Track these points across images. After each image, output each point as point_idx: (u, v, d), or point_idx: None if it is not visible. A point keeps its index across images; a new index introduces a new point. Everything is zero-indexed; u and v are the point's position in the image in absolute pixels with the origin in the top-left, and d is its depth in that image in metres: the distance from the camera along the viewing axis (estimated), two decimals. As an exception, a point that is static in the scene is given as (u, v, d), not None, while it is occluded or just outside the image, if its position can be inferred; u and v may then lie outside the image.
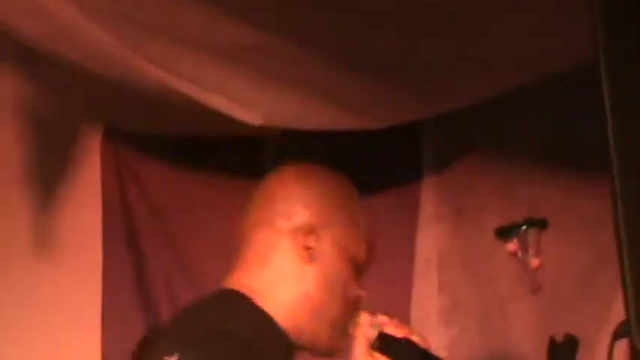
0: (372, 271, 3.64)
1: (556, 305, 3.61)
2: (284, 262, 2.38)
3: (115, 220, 4.39)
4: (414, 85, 3.31)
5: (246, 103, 3.41)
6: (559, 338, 2.77)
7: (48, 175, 4.21)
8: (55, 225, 4.08)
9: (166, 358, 2.29)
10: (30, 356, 4.16)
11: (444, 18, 2.93)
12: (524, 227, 3.63)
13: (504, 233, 3.69)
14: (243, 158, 4.25)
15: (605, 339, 2.80)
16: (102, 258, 4.30)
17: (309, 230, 2.35)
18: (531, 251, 3.65)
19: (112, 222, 4.38)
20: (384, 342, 2.31)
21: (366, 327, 2.30)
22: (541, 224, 3.69)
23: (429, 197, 4.00)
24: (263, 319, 2.43)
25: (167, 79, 3.30)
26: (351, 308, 2.36)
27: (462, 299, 3.86)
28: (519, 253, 3.68)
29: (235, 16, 3.07)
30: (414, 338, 2.30)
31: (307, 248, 2.34)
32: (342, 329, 2.36)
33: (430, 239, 3.98)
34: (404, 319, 3.61)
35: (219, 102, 3.37)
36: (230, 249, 4.24)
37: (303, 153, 3.92)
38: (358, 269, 2.40)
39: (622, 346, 2.12)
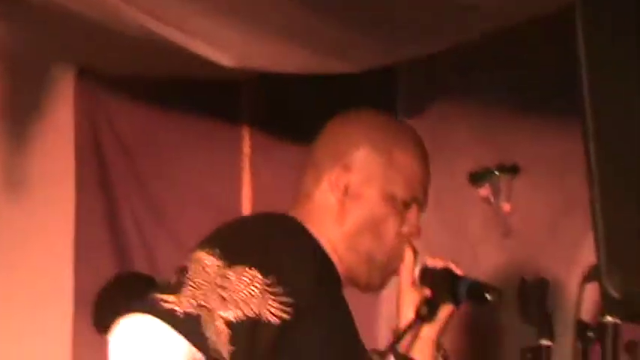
0: None
1: (526, 248, 3.64)
2: (324, 198, 2.40)
3: (88, 161, 4.51)
4: (390, 28, 3.30)
5: (220, 45, 3.46)
6: (529, 279, 2.79)
7: (21, 115, 4.26)
8: (28, 165, 4.10)
9: (206, 250, 2.33)
10: (5, 290, 4.14)
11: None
12: (496, 173, 3.67)
13: (477, 178, 3.73)
14: (218, 102, 4.30)
15: (575, 281, 2.80)
16: (74, 197, 4.32)
17: (346, 169, 2.37)
18: (503, 196, 3.70)
19: (84, 163, 4.46)
20: (425, 274, 2.39)
21: (410, 263, 2.37)
22: (513, 170, 3.70)
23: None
24: (315, 242, 2.45)
25: (146, 21, 3.34)
26: (394, 246, 2.39)
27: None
28: (491, 198, 3.73)
29: None
30: (452, 267, 2.39)
31: (345, 186, 2.35)
32: (384, 266, 2.40)
33: None
34: None
35: (194, 44, 3.43)
36: (202, 192, 4.22)
37: (279, 97, 4.00)
38: (404, 208, 2.40)
39: (591, 289, 2.28)
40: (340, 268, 2.42)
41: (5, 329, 4.00)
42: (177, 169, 4.41)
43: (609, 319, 1.97)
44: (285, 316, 2.25)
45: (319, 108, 3.79)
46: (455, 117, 3.94)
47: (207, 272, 2.31)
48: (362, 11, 3.22)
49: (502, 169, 3.68)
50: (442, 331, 2.48)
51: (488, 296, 2.45)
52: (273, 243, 2.38)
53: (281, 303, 2.27)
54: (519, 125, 3.75)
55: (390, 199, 2.39)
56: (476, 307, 2.62)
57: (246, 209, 4.38)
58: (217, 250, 2.34)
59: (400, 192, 2.41)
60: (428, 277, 2.42)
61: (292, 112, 4.23)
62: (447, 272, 2.44)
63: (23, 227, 4.10)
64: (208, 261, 2.32)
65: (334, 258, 2.42)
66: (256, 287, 2.28)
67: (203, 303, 2.26)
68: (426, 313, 2.42)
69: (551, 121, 3.57)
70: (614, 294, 1.63)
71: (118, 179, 4.53)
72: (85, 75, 4.48)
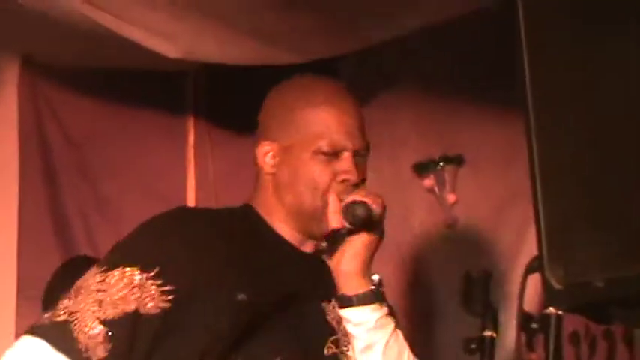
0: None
1: (470, 239, 3.65)
2: (259, 175, 2.50)
3: (32, 153, 4.37)
4: (334, 19, 3.31)
5: (165, 36, 3.45)
6: (473, 272, 2.82)
7: None
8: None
9: None
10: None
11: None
12: (440, 164, 3.65)
13: (421, 169, 3.70)
14: (163, 93, 4.29)
15: (518, 272, 2.85)
16: (18, 192, 4.26)
17: (266, 139, 2.47)
18: (447, 187, 3.68)
19: (29, 155, 4.35)
20: (346, 208, 2.37)
21: (335, 207, 2.37)
22: (457, 161, 3.69)
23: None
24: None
25: (89, 11, 3.29)
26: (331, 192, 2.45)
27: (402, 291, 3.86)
28: (436, 189, 3.70)
29: None
30: (358, 197, 2.37)
31: (270, 157, 2.45)
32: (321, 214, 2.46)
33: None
34: None
35: (138, 35, 3.41)
36: (146, 182, 4.19)
37: (224, 88, 4.00)
38: (333, 158, 2.43)
39: (533, 280, 2.29)
40: (291, 232, 2.47)
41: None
42: (122, 159, 4.39)
43: (552, 310, 2.03)
44: (166, 305, 2.33)
45: (263, 99, 4.00)
46: (399, 108, 3.98)
47: (86, 281, 2.38)
48: (308, 3, 3.23)
49: (446, 160, 3.64)
50: (357, 260, 2.45)
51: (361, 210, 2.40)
52: (156, 237, 2.46)
53: (162, 292, 2.34)
54: (463, 116, 3.78)
55: (313, 155, 2.43)
56: (366, 229, 2.46)
57: (191, 200, 4.40)
58: (101, 261, 2.47)
59: (322, 146, 2.44)
60: (348, 210, 2.41)
61: (237, 103, 4.14)
62: (353, 204, 2.43)
63: (-34, 219, 4.07)
64: (90, 272, 2.40)
65: (282, 228, 2.48)
66: (135, 284, 2.35)
67: (75, 309, 2.34)
68: (324, 246, 2.47)
69: (495, 113, 3.60)
70: (556, 285, 1.61)
71: (62, 169, 4.44)
72: (30, 65, 4.36)
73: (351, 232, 2.47)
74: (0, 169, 4.31)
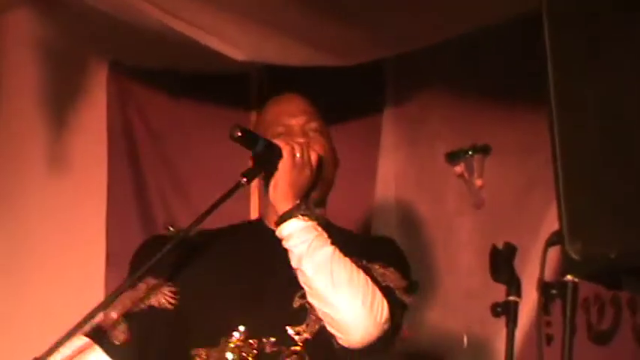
0: (336, 188, 3.50)
1: (495, 220, 3.63)
2: None
3: (119, 143, 4.41)
4: (378, 29, 3.29)
5: (233, 42, 3.46)
6: (499, 246, 2.82)
7: (61, 101, 4.23)
8: (67, 145, 4.12)
9: None
10: (47, 255, 4.18)
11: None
12: (470, 152, 3.63)
13: (453, 158, 3.62)
14: (231, 91, 4.28)
15: (538, 247, 2.81)
16: (107, 176, 4.33)
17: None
18: (476, 173, 3.66)
19: (116, 144, 4.40)
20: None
21: (286, 156, 2.55)
22: (484, 150, 3.67)
23: (389, 128, 4.01)
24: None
25: (169, 21, 3.33)
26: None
27: (416, 213, 3.89)
28: (465, 175, 3.69)
29: None
30: (280, 143, 2.55)
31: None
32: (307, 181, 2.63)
33: (389, 163, 4.00)
34: (366, 227, 4.03)
35: (211, 41, 3.43)
36: (219, 169, 4.10)
37: (281, 87, 3.96)
38: (289, 138, 2.64)
39: (553, 252, 2.11)
40: (270, 216, 2.61)
41: (45, 289, 4.07)
42: (198, 149, 4.41)
43: (569, 278, 2.00)
44: (174, 302, 2.62)
45: (315, 97, 3.99)
46: (433, 105, 3.88)
47: (125, 291, 2.63)
48: (355, 15, 3.21)
49: (475, 149, 3.56)
50: (276, 191, 2.56)
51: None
52: (169, 253, 2.62)
53: (170, 292, 2.62)
54: (490, 111, 3.70)
55: (277, 136, 2.64)
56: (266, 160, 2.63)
57: (255, 183, 4.29)
58: (145, 275, 2.68)
59: (277, 128, 2.69)
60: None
61: None
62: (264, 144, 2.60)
63: (63, 199, 4.14)
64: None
65: (269, 216, 2.65)
66: (155, 287, 2.64)
67: (112, 313, 2.62)
68: (244, 181, 2.61)
69: (518, 108, 3.54)
70: (575, 256, 1.63)
71: (145, 158, 4.49)
72: (117, 66, 4.41)
73: (268, 173, 2.60)
74: (91, 157, 4.36)
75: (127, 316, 2.65)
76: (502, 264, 2.51)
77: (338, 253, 2.48)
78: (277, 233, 2.51)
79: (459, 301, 3.80)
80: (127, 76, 4.41)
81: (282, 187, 2.55)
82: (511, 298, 2.41)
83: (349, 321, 2.39)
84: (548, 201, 3.24)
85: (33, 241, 4.16)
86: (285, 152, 2.54)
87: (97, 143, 4.36)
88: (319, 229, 2.50)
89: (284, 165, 2.53)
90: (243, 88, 4.26)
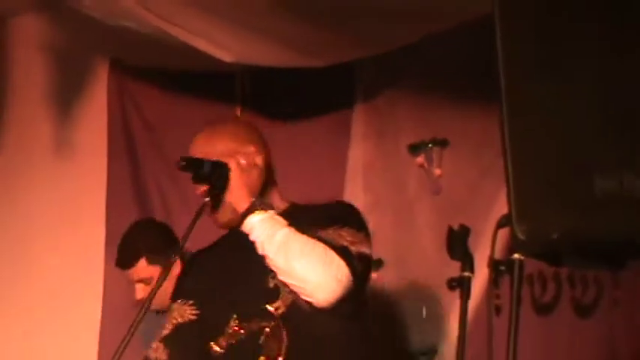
0: (310, 176, 4.01)
1: (452, 204, 3.65)
2: None
3: (118, 134, 4.41)
4: (349, 34, 3.30)
5: (222, 45, 3.45)
6: (455, 227, 2.83)
7: (65, 97, 4.28)
8: (69, 137, 4.12)
9: None
10: (46, 236, 4.20)
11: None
12: (430, 145, 3.69)
13: (415, 149, 3.74)
14: (218, 87, 4.25)
15: (490, 229, 2.84)
16: (107, 164, 4.33)
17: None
18: (435, 163, 3.70)
19: (115, 135, 4.40)
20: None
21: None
22: (443, 143, 3.72)
23: (358, 121, 4.00)
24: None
25: (165, 26, 3.34)
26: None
27: (381, 198, 3.88)
28: (425, 165, 3.73)
29: None
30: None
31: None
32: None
33: (358, 153, 3.99)
34: None
35: (201, 43, 3.43)
36: None
37: (263, 83, 4.01)
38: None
39: (502, 233, 2.16)
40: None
41: (48, 264, 4.08)
42: (190, 140, 4.31)
43: (516, 256, 2.05)
44: (195, 312, 2.72)
45: (292, 94, 4.03)
46: (399, 102, 3.85)
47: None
48: (330, 22, 3.23)
49: (435, 142, 3.69)
50: (230, 197, 2.58)
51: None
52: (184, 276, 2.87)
53: (190, 307, 2.72)
54: (450, 108, 3.70)
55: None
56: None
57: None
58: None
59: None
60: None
61: (273, 96, 4.19)
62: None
63: (67, 185, 4.11)
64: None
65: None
66: (178, 308, 2.76)
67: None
68: (207, 200, 2.62)
69: (475, 106, 3.52)
70: (521, 237, 1.67)
71: (142, 149, 4.49)
72: (116, 64, 4.43)
73: (212, 188, 2.63)
74: (92, 148, 4.39)
75: (162, 339, 2.75)
76: (457, 243, 2.55)
77: (293, 232, 2.53)
78: (243, 229, 2.56)
79: (420, 276, 3.80)
80: (125, 74, 4.42)
81: (236, 191, 2.59)
82: (465, 273, 2.46)
83: (314, 286, 2.44)
84: (498, 188, 3.11)
85: (39, 223, 4.16)
86: (232, 163, 2.60)
87: (97, 134, 4.36)
88: (275, 216, 2.56)
89: (234, 173, 2.59)
90: (229, 86, 4.22)
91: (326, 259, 2.48)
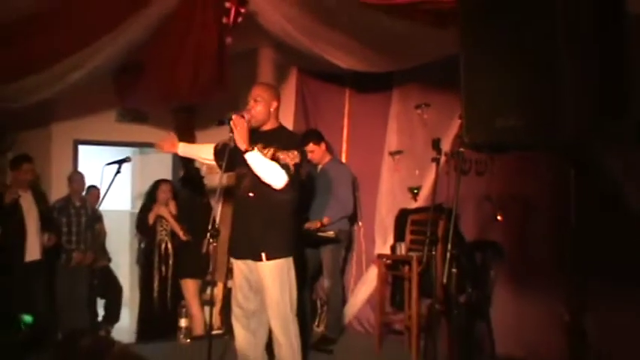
0: (373, 120, 4.18)
1: (434, 130, 3.63)
2: None
3: (299, 106, 4.61)
4: (391, 53, 3.29)
5: (340, 59, 3.57)
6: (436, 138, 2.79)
7: (280, 87, 4.14)
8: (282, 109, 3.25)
9: None
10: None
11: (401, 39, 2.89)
12: (422, 105, 3.89)
13: (416, 107, 3.92)
14: (337, 80, 4.36)
15: (451, 137, 3.42)
16: (292, 122, 4.45)
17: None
18: (424, 113, 3.89)
19: (298, 106, 4.60)
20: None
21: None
22: (427, 105, 3.89)
23: (395, 102, 4.15)
24: None
25: (316, 49, 3.47)
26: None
27: (407, 147, 4.06)
28: (420, 112, 3.96)
29: (330, 24, 3.13)
30: (247, 116, 2.49)
31: None
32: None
33: (393, 121, 4.13)
34: (379, 154, 4.09)
35: (331, 56, 3.53)
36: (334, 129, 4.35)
37: (356, 76, 4.13)
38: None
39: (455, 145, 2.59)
40: None
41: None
42: (329, 111, 4.50)
43: (462, 150, 2.40)
44: None
45: (369, 82, 4.09)
46: (411, 87, 4.03)
47: None
48: (383, 46, 3.20)
49: (425, 104, 3.87)
50: (237, 142, 2.45)
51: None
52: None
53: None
54: (432, 90, 3.81)
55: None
56: None
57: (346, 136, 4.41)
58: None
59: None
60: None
61: (359, 83, 4.28)
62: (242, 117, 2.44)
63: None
64: None
65: None
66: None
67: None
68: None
69: (443, 89, 3.64)
70: (467, 139, 1.64)
71: (311, 113, 4.60)
72: (299, 70, 4.62)
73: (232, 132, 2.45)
74: (287, 114, 4.23)
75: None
76: (436, 145, 2.61)
77: (262, 158, 2.46)
78: (244, 156, 2.48)
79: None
80: (303, 74, 4.59)
81: (237, 141, 2.47)
82: (437, 156, 2.58)
83: (271, 182, 2.49)
84: (456, 122, 3.31)
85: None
86: (231, 124, 2.48)
87: (289, 107, 4.40)
88: (257, 151, 2.46)
89: (233, 129, 2.46)
90: (341, 82, 4.40)
91: (275, 172, 2.46)
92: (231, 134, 2.40)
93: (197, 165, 4.20)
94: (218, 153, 2.64)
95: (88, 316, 3.93)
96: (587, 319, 1.45)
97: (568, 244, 1.49)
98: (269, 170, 2.43)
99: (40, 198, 3.73)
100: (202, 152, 2.77)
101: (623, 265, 2.68)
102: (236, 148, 2.44)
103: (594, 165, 2.21)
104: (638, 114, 1.42)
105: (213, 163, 2.70)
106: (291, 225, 2.55)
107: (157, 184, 4.02)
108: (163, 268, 3.82)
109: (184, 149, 2.75)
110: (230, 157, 2.45)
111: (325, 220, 3.58)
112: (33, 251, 3.55)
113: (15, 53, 3.26)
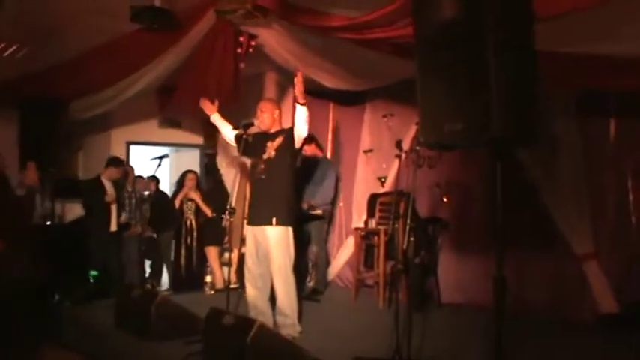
0: (352, 124, 3.99)
1: (399, 131, 3.58)
2: None
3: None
4: (365, 76, 3.21)
5: (327, 80, 3.42)
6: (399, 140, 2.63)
7: (282, 100, 3.92)
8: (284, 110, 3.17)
9: None
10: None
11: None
12: (389, 114, 3.77)
13: (384, 117, 3.82)
14: (320, 97, 4.02)
15: (411, 135, 3.28)
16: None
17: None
18: (390, 121, 3.80)
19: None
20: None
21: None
22: (391, 115, 3.77)
23: (368, 112, 4.04)
24: None
25: (308, 72, 3.08)
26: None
27: (376, 146, 3.96)
28: (386, 120, 3.84)
29: (322, 56, 3.00)
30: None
31: None
32: None
33: (366, 127, 4.04)
34: (356, 152, 3.94)
35: (319, 78, 3.39)
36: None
37: (341, 94, 3.86)
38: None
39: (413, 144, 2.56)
40: None
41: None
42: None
43: (417, 148, 2.53)
44: None
45: (348, 97, 3.88)
46: (379, 102, 3.90)
47: None
48: (357, 69, 3.10)
49: (389, 114, 3.78)
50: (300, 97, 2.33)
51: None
52: None
53: None
54: (396, 103, 3.74)
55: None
56: None
57: (331, 138, 4.22)
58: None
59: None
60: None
61: (343, 98, 4.03)
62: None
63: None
64: None
65: None
66: None
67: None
68: None
69: (405, 102, 3.56)
70: (422, 140, 1.64)
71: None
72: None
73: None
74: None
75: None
76: (399, 143, 2.43)
77: (306, 114, 2.40)
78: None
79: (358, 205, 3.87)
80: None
81: (298, 96, 2.43)
82: (400, 149, 2.38)
83: (304, 130, 2.47)
84: (413, 127, 3.08)
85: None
86: (270, 115, 2.51)
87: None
88: (305, 107, 2.37)
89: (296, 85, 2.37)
90: (327, 98, 4.17)
91: (305, 125, 2.46)
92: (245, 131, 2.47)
93: (218, 166, 4.33)
94: (238, 140, 2.65)
95: (138, 273, 3.88)
96: (506, 272, 1.48)
97: (495, 219, 1.48)
98: (305, 122, 2.43)
99: (118, 187, 3.80)
100: (224, 128, 2.74)
101: (532, 234, 2.89)
102: (254, 140, 2.47)
103: (513, 158, 2.32)
104: (537, 118, 1.43)
105: (231, 140, 2.71)
106: (292, 202, 2.55)
107: (185, 173, 3.95)
108: (189, 239, 3.82)
109: (215, 118, 2.74)
110: (246, 146, 2.51)
111: (312, 202, 3.61)
112: (113, 225, 3.66)
113: (84, 77, 3.41)
